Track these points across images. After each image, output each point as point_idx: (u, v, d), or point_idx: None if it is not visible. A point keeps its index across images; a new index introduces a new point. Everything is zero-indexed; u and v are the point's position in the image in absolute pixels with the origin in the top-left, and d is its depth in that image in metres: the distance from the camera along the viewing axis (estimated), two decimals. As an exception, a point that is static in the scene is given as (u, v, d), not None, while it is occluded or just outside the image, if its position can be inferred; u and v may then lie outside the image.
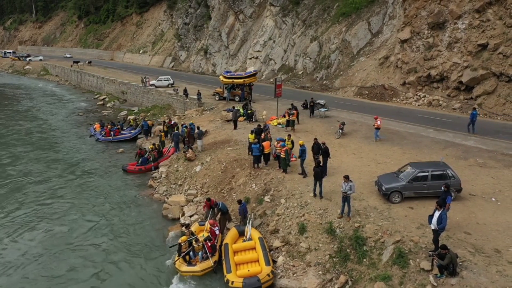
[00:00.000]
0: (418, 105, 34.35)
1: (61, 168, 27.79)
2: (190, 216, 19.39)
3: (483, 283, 11.03)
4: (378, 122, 24.26)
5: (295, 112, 27.94)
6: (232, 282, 14.14)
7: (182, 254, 15.83)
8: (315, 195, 17.12)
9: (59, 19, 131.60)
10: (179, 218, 19.75)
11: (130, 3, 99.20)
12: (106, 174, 26.45)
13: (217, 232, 16.99)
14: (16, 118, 45.23)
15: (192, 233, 16.69)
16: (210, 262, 15.63)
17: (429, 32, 35.21)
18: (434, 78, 34.38)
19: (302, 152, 19.27)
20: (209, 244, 16.05)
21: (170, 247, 16.93)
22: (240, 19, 60.69)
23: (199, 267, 15.44)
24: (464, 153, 21.46)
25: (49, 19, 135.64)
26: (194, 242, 16.20)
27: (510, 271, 11.43)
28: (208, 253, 15.87)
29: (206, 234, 16.76)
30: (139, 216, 20.34)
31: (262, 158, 20.99)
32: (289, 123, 27.52)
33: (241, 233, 16.95)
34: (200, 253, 16.00)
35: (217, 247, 16.39)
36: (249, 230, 16.73)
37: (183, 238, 16.36)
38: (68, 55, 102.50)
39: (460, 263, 11.85)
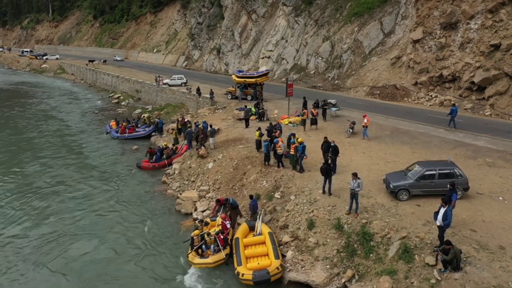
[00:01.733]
0: (430, 105, 34.41)
1: (77, 164, 28.67)
2: (203, 211, 19.99)
3: (486, 278, 11.35)
4: (365, 121, 24.70)
5: (305, 111, 28.28)
6: (243, 274, 14.67)
7: (195, 247, 16.41)
8: (324, 192, 17.53)
9: (75, 18, 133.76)
10: (191, 213, 20.38)
11: (144, 2, 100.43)
12: (121, 170, 27.22)
13: (228, 226, 17.53)
14: (34, 115, 46.43)
15: (205, 224, 17.34)
16: (222, 255, 16.18)
17: (441, 32, 35.23)
18: (446, 78, 34.40)
19: (302, 149, 19.65)
20: (221, 237, 16.60)
21: (184, 242, 17.50)
22: (253, 19, 61.17)
23: (211, 259, 16.02)
24: (474, 152, 21.63)
25: (65, 19, 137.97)
26: (206, 236, 16.78)
27: (514, 267, 11.72)
28: (220, 246, 16.42)
29: (218, 228, 17.32)
30: (152, 211, 21.00)
31: (275, 157, 21.37)
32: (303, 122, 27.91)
33: (252, 228, 17.47)
34: (212, 246, 16.57)
35: (229, 240, 16.92)
36: (259, 225, 17.23)
37: (196, 232, 16.99)
38: (118, 58, 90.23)
39: (464, 259, 12.17)
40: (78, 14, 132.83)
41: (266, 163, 21.50)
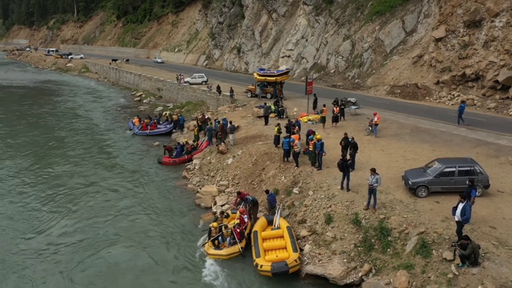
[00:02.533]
0: (452, 104, 33.94)
1: (101, 158, 29.54)
2: (222, 205, 20.38)
3: (504, 273, 11.32)
4: (376, 119, 24.78)
5: (325, 108, 28.33)
6: (261, 266, 14.97)
7: (211, 238, 16.84)
8: (342, 187, 17.66)
9: (99, 18, 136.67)
10: (211, 207, 20.79)
11: (166, 2, 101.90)
12: (143, 165, 27.91)
13: (246, 220, 17.84)
14: (63, 112, 47.79)
15: (226, 217, 17.77)
16: (237, 247, 16.51)
17: (464, 30, 34.70)
18: (469, 77, 33.88)
19: (320, 146, 19.81)
20: (238, 231, 16.93)
21: (203, 231, 17.96)
22: (273, 18, 61.40)
23: (225, 251, 16.40)
24: (496, 151, 21.34)
25: (89, 19, 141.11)
26: (223, 228, 17.16)
27: (533, 264, 11.64)
28: (236, 239, 16.76)
29: (236, 222, 17.66)
30: (173, 204, 21.53)
31: (292, 155, 21.61)
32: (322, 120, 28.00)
33: (270, 222, 17.75)
34: (228, 238, 16.92)
35: (245, 234, 17.24)
36: (278, 219, 17.49)
37: (214, 224, 17.43)
38: (159, 60, 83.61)
39: (483, 254, 12.14)
40: (102, 15, 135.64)
41: (286, 159, 21.73)
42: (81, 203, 21.78)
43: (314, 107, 32.35)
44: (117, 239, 18.07)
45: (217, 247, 16.82)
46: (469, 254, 11.72)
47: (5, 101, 54.87)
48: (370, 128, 25.82)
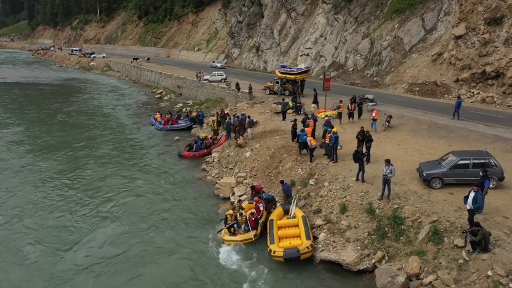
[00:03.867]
0: (471, 102, 33.79)
1: (124, 152, 30.62)
2: (240, 196, 21.00)
3: (515, 259, 11.59)
4: (374, 114, 25.43)
5: (341, 104, 28.69)
6: (274, 252, 15.58)
7: (227, 226, 17.64)
8: (357, 179, 18.06)
9: (121, 19, 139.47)
10: (229, 198, 21.47)
11: (186, 2, 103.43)
12: (164, 158, 28.84)
13: (261, 208, 18.42)
14: (88, 109, 49.28)
15: (241, 208, 18.41)
16: (250, 234, 17.13)
17: (485, 27, 34.50)
18: (489, 75, 33.66)
19: (335, 139, 20.26)
20: (252, 219, 17.57)
21: (220, 220, 18.78)
22: (292, 17, 61.82)
23: (239, 237, 17.18)
24: (513, 147, 21.35)
25: (111, 19, 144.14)
26: (238, 216, 17.93)
27: (544, 251, 11.86)
28: (250, 226, 17.42)
29: (252, 210, 18.29)
30: (193, 195, 22.32)
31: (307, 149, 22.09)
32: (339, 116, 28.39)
33: (286, 212, 18.30)
34: (242, 226, 17.64)
35: (260, 222, 17.83)
36: (294, 209, 18.03)
37: (230, 211, 18.28)
38: (218, 65, 68.07)
39: (494, 242, 12.41)
40: (123, 15, 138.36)
41: (301, 152, 22.24)
42: (114, 193, 22.80)
43: (314, 101, 33.80)
44: (137, 224, 18.98)
45: (233, 234, 17.57)
46: (479, 240, 12.02)
47: (35, 99, 56.67)
48: (387, 123, 26.08)
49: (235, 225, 17.82)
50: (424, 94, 37.82)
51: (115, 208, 20.89)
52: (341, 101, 29.40)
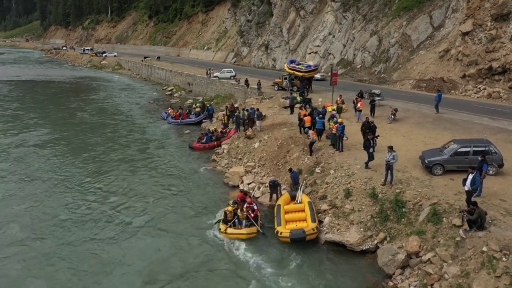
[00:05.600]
0: (477, 97, 34.19)
1: (137, 144, 31.62)
2: (248, 184, 21.81)
3: (508, 236, 12.22)
4: (358, 105, 26.54)
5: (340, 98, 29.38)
6: (281, 233, 16.34)
7: (229, 224, 17.44)
8: (367, 167, 18.62)
9: (131, 18, 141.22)
10: (238, 186, 22.28)
11: (196, 2, 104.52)
12: (175, 150, 29.80)
13: (255, 207, 18.17)
14: (103, 106, 50.41)
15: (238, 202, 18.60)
16: (254, 228, 17.23)
17: (492, 24, 34.86)
18: (495, 71, 34.01)
19: (342, 129, 20.97)
20: (252, 215, 17.63)
21: (216, 222, 18.47)
22: (301, 15, 62.50)
23: (245, 230, 17.06)
24: (516, 138, 21.84)
25: (122, 19, 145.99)
26: (239, 212, 17.75)
27: (538, 230, 12.46)
28: (253, 221, 17.45)
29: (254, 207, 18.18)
30: (203, 183, 23.17)
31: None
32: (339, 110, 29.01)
33: (293, 198, 19.07)
34: (244, 221, 17.55)
35: (259, 219, 17.90)
36: (300, 195, 18.78)
37: (229, 208, 18.12)
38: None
39: (490, 221, 13.03)
40: (134, 15, 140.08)
41: (319, 138, 23.20)
42: (130, 180, 23.80)
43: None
44: (149, 211, 19.86)
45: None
46: (476, 219, 12.65)
47: (53, 98, 57.53)
48: (393, 117, 26.68)
49: (236, 220, 17.61)
50: (431, 90, 38.24)
51: (131, 193, 21.85)
52: (340, 95, 30.15)
